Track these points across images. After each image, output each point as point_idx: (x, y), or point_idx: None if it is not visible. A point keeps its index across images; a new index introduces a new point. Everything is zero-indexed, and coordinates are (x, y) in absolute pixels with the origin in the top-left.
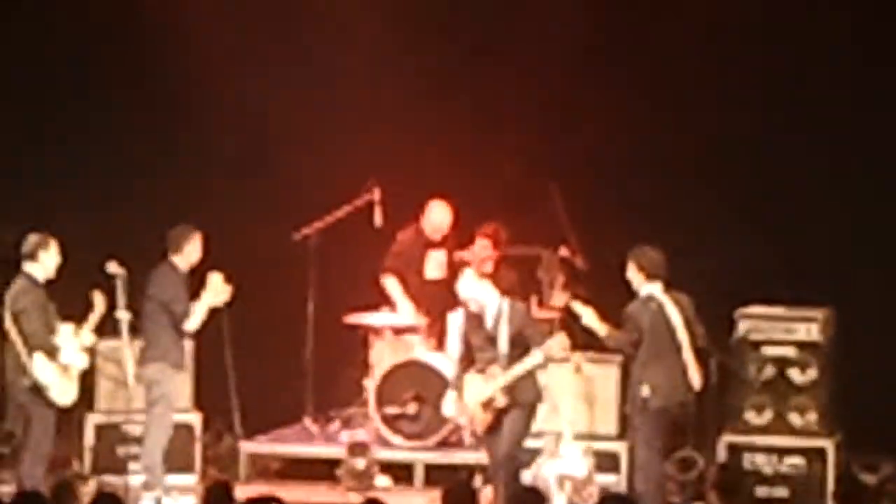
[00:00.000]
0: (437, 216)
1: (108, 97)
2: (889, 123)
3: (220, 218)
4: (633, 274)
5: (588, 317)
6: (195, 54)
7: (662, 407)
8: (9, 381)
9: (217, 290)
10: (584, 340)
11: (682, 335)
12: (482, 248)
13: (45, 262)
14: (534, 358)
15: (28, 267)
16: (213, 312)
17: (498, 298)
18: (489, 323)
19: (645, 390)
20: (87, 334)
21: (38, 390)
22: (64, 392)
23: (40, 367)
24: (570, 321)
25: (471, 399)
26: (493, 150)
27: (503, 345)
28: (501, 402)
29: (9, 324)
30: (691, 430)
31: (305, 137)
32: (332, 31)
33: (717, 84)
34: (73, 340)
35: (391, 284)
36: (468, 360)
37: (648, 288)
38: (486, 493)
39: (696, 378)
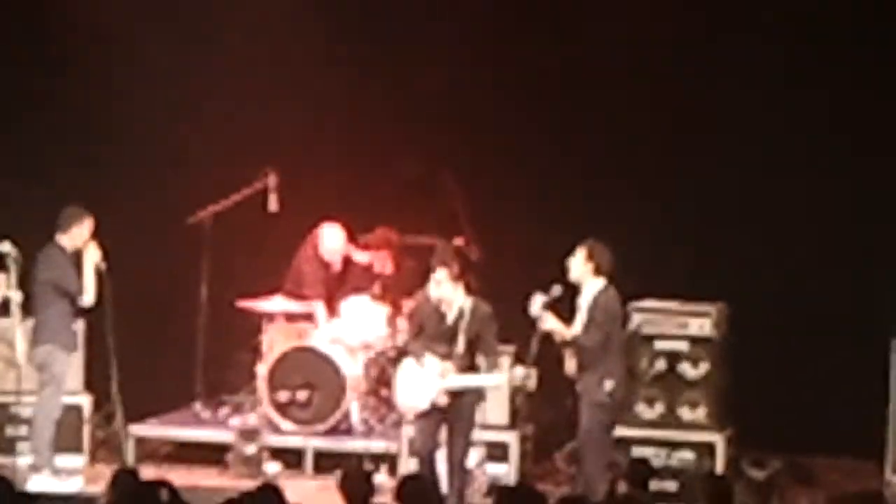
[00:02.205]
0: (331, 242)
1: None
2: (791, 118)
3: (113, 199)
4: (578, 264)
5: (550, 321)
6: (92, 30)
7: (623, 398)
8: None
9: (93, 255)
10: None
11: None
12: (378, 258)
13: None
14: (493, 378)
15: None
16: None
17: (462, 297)
18: (450, 320)
19: (608, 384)
20: None
21: None
22: None
23: None
24: None
25: (416, 384)
26: (389, 137)
27: (460, 345)
28: (443, 401)
29: None
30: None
31: (202, 120)
32: (236, 13)
33: (624, 75)
34: None
35: (320, 310)
36: (415, 344)
37: (595, 282)
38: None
39: None
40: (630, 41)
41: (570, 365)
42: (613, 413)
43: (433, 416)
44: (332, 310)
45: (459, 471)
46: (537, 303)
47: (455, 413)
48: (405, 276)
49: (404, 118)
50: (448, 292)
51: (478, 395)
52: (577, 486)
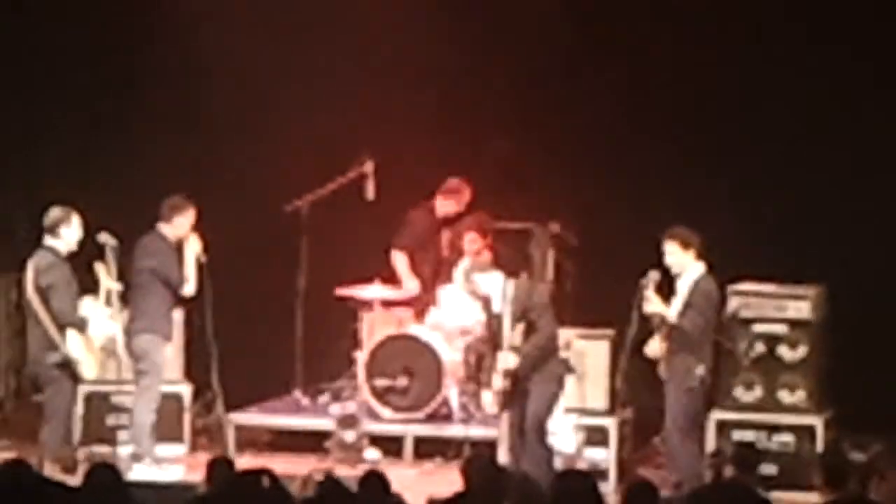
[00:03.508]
0: (468, 196)
1: (96, 66)
2: (884, 99)
3: (211, 188)
4: (677, 253)
5: (656, 303)
6: (186, 21)
7: (711, 384)
8: (33, 358)
9: (194, 246)
10: (572, 316)
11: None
12: (471, 242)
13: (66, 237)
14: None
15: (49, 241)
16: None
17: (502, 281)
18: (497, 307)
19: (700, 370)
20: (102, 307)
21: (65, 366)
22: (90, 366)
23: (73, 342)
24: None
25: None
26: (485, 123)
27: (506, 327)
28: (498, 384)
29: (35, 299)
30: None
31: (298, 108)
32: (331, 2)
33: (711, 56)
34: (95, 313)
35: (399, 260)
36: (490, 341)
37: (696, 267)
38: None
39: None
40: (729, 32)
41: (655, 346)
42: (703, 399)
43: (512, 406)
44: (431, 296)
45: (536, 435)
46: (646, 287)
47: (529, 390)
48: (501, 261)
49: (500, 103)
50: (475, 282)
51: (559, 367)
52: (671, 472)
